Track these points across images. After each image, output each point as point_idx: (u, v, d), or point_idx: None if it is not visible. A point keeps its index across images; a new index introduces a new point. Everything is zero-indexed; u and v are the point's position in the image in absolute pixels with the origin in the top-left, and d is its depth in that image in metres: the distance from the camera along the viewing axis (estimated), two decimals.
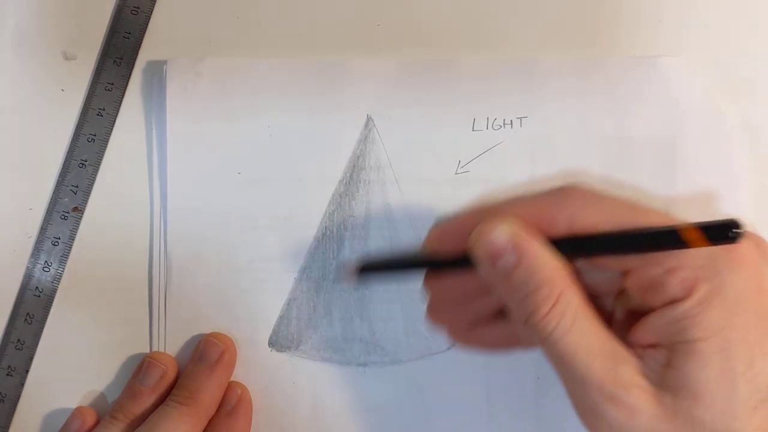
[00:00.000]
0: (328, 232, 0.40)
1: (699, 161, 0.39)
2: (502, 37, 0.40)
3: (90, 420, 0.39)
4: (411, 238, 0.39)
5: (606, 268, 0.31)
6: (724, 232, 0.27)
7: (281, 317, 0.40)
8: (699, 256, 0.28)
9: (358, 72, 0.40)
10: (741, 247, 0.28)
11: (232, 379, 0.39)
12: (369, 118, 0.40)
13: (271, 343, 0.40)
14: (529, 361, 0.39)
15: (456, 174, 0.39)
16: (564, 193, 0.31)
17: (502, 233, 0.30)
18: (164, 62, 0.40)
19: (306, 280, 0.40)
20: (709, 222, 0.27)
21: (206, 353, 0.38)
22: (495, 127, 0.39)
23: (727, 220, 0.27)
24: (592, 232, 0.30)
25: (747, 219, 0.38)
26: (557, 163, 0.39)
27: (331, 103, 0.40)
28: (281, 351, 0.40)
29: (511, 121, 0.39)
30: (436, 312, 0.35)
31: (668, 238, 0.28)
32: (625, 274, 0.30)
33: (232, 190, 0.40)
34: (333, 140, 0.40)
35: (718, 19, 0.40)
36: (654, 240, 0.28)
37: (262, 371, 0.39)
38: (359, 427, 0.39)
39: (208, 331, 0.39)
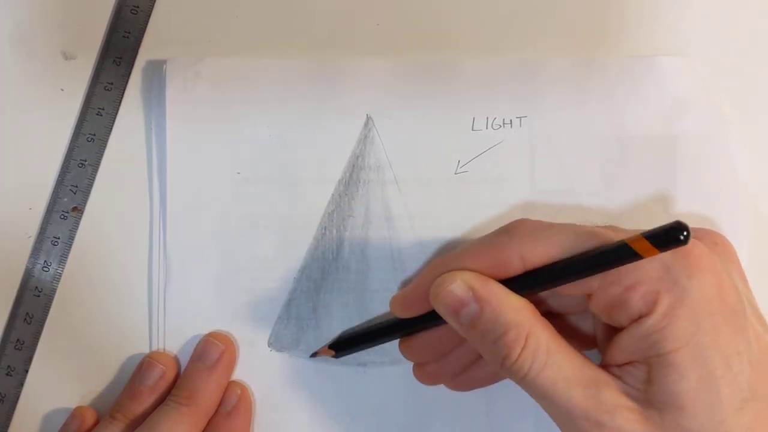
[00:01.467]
0: (327, 232, 0.40)
1: (699, 161, 0.39)
2: (501, 38, 0.40)
3: (89, 420, 0.38)
4: (410, 239, 0.39)
5: (568, 295, 0.31)
6: (672, 236, 0.27)
7: (280, 317, 0.40)
8: (655, 268, 0.28)
9: (358, 72, 0.40)
10: (695, 251, 0.28)
11: (231, 379, 0.39)
12: (369, 118, 0.40)
13: (271, 343, 0.40)
14: None
15: (455, 174, 0.39)
16: (510, 232, 0.31)
17: (459, 284, 0.30)
18: (164, 62, 0.40)
19: (305, 280, 0.40)
20: (656, 229, 0.27)
21: (206, 353, 0.38)
22: (494, 127, 0.39)
23: (673, 223, 0.27)
24: (545, 264, 0.30)
25: (747, 218, 0.39)
26: (557, 163, 0.39)
27: (331, 103, 0.40)
28: (281, 351, 0.40)
29: (511, 120, 0.39)
30: (423, 374, 0.36)
31: (619, 253, 0.28)
32: (588, 297, 0.30)
33: (232, 190, 0.40)
34: (332, 140, 0.40)
35: (718, 17, 0.40)
36: (606, 258, 0.29)
37: (262, 371, 0.39)
38: (359, 427, 0.39)
39: (207, 331, 0.39)
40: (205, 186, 0.40)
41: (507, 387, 0.38)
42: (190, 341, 0.39)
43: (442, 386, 0.38)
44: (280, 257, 0.40)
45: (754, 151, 0.39)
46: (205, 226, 0.39)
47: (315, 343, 0.39)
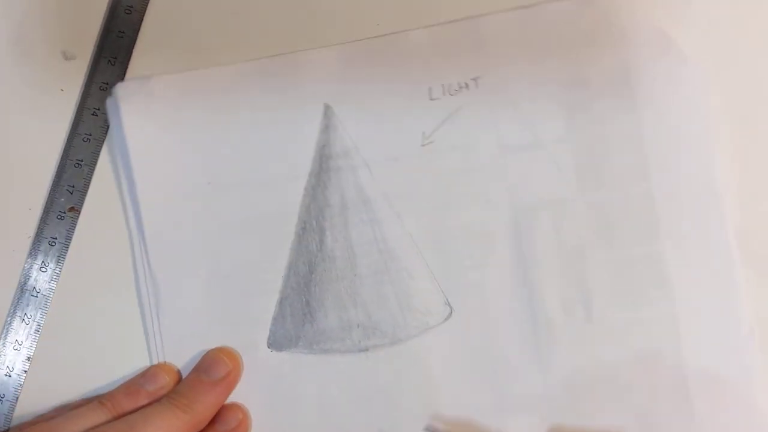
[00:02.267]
0: (307, 225, 0.40)
1: (656, 91, 0.39)
2: (441, 2, 0.40)
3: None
4: (390, 217, 0.39)
5: None
6: None
7: (276, 317, 0.40)
8: None
9: (308, 63, 0.39)
10: None
11: (238, 395, 0.39)
12: (327, 107, 0.40)
13: (270, 344, 0.40)
14: (528, 324, 0.39)
15: (422, 146, 0.39)
16: None
17: None
18: (119, 83, 0.40)
19: (294, 275, 0.40)
20: None
21: (213, 368, 0.38)
22: (452, 93, 0.39)
23: None
24: None
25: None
26: (519, 116, 0.39)
27: (287, 99, 0.40)
28: (281, 350, 0.40)
29: (467, 83, 0.39)
30: None
31: None
32: None
33: (206, 201, 0.40)
34: (296, 135, 0.40)
35: None
36: None
37: (266, 373, 0.40)
38: (368, 411, 0.39)
39: (206, 344, 0.39)
40: (178, 201, 0.40)
41: (509, 348, 0.38)
42: (189, 355, 0.39)
43: (444, 358, 0.38)
44: (265, 258, 0.40)
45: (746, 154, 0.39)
46: (186, 241, 0.40)
47: (313, 336, 0.40)
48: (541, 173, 0.39)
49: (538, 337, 0.39)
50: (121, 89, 0.40)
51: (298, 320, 0.40)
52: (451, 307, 0.39)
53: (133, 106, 0.39)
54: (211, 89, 0.40)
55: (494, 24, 0.39)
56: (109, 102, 0.40)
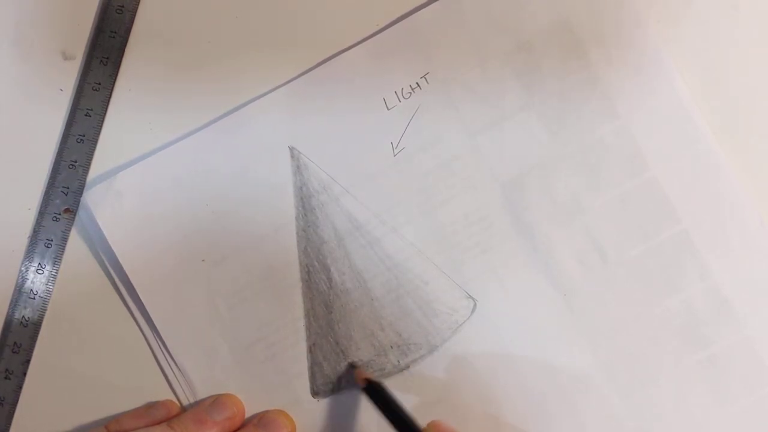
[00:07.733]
0: (311, 268, 0.40)
1: (605, 38, 0.39)
2: (362, 16, 0.40)
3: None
4: (386, 234, 0.39)
5: None
6: None
7: (311, 366, 0.39)
8: None
9: (259, 113, 0.39)
10: None
11: None
12: (292, 149, 0.40)
13: (315, 393, 0.39)
14: (550, 286, 0.39)
15: (395, 156, 0.40)
16: None
17: None
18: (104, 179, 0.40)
19: (314, 321, 0.39)
20: None
21: (218, 408, 0.38)
22: (406, 96, 0.39)
23: None
24: None
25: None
26: (478, 97, 0.39)
27: (250, 154, 0.39)
28: (327, 396, 0.39)
29: (417, 83, 0.39)
30: None
31: None
32: None
33: (205, 279, 0.39)
34: (270, 186, 0.39)
35: None
36: None
37: (319, 423, 0.39)
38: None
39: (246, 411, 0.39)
40: (179, 289, 0.39)
41: (545, 318, 0.39)
42: None
43: (486, 348, 0.38)
44: (280, 315, 0.39)
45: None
46: (196, 323, 0.39)
47: (353, 372, 0.39)
48: (515, 143, 0.39)
49: (564, 294, 0.39)
50: (89, 198, 0.39)
51: (333, 362, 0.39)
52: (473, 299, 0.40)
53: (105, 212, 0.39)
54: (174, 166, 0.39)
55: (426, 17, 0.39)
56: (81, 212, 0.40)
